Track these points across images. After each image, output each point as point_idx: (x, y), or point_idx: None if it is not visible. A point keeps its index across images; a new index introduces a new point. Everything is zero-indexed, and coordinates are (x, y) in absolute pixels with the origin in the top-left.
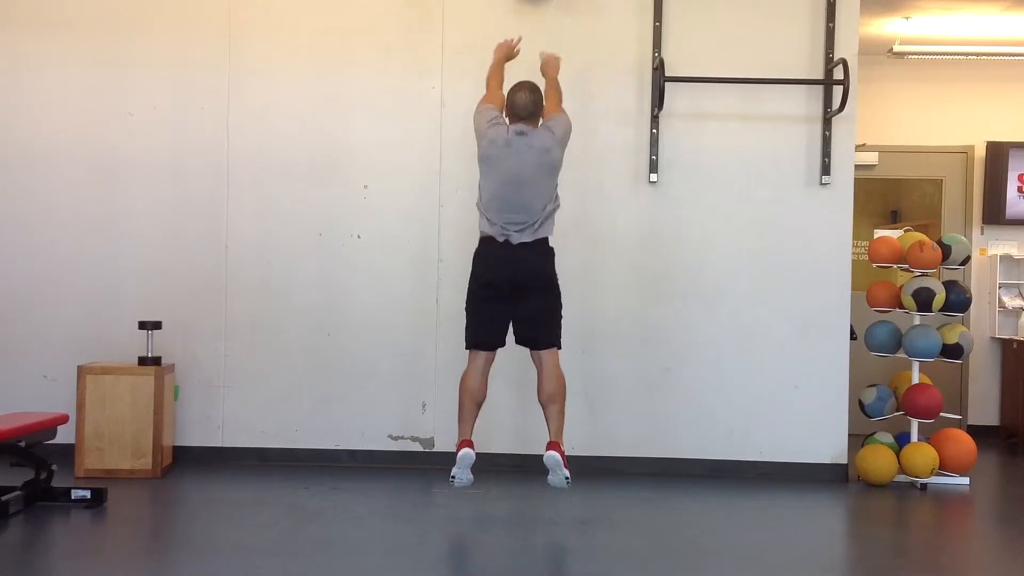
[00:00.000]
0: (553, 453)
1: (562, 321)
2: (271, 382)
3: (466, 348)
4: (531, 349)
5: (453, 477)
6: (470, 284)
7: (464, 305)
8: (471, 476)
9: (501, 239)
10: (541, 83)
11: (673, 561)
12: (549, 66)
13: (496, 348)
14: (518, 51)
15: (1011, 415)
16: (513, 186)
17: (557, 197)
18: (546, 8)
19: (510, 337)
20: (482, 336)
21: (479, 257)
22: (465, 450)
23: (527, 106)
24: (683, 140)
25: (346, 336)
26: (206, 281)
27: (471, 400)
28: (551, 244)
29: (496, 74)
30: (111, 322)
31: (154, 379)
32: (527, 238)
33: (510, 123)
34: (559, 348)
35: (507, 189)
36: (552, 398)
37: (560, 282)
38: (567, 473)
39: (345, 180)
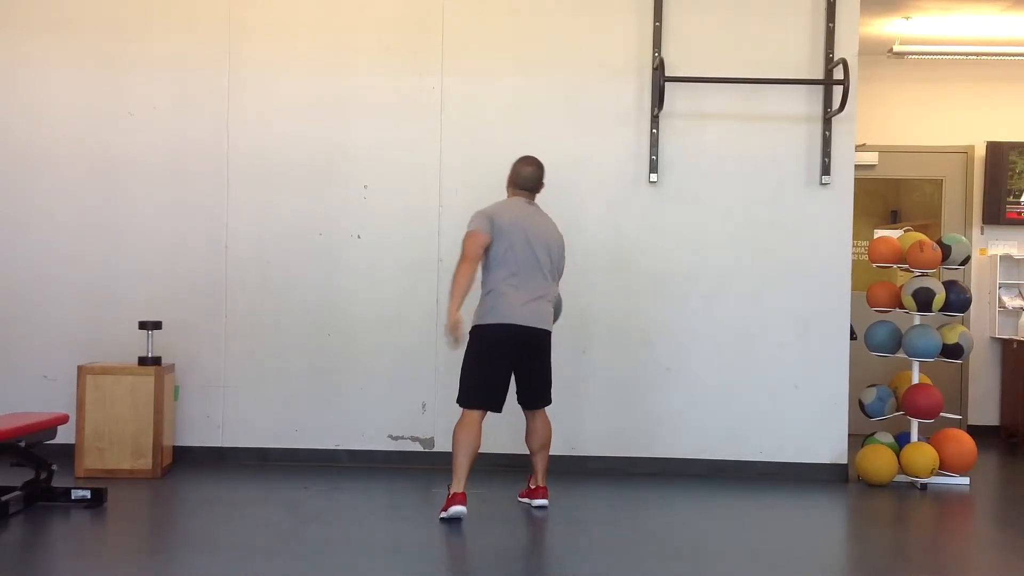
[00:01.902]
0: (544, 501)
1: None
2: (271, 382)
3: (463, 407)
4: (528, 409)
5: (441, 519)
6: (476, 344)
7: (463, 358)
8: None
9: (517, 322)
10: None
11: (673, 561)
12: None
13: (497, 411)
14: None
15: (1011, 415)
16: (537, 244)
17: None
18: (546, 8)
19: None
20: (484, 400)
21: (488, 334)
22: (457, 507)
23: (532, 179)
24: (683, 140)
25: (346, 336)
26: (206, 281)
27: (466, 454)
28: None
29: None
30: (111, 322)
31: (154, 379)
32: (540, 322)
33: (512, 195)
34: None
35: (530, 251)
36: (544, 445)
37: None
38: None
39: (345, 180)
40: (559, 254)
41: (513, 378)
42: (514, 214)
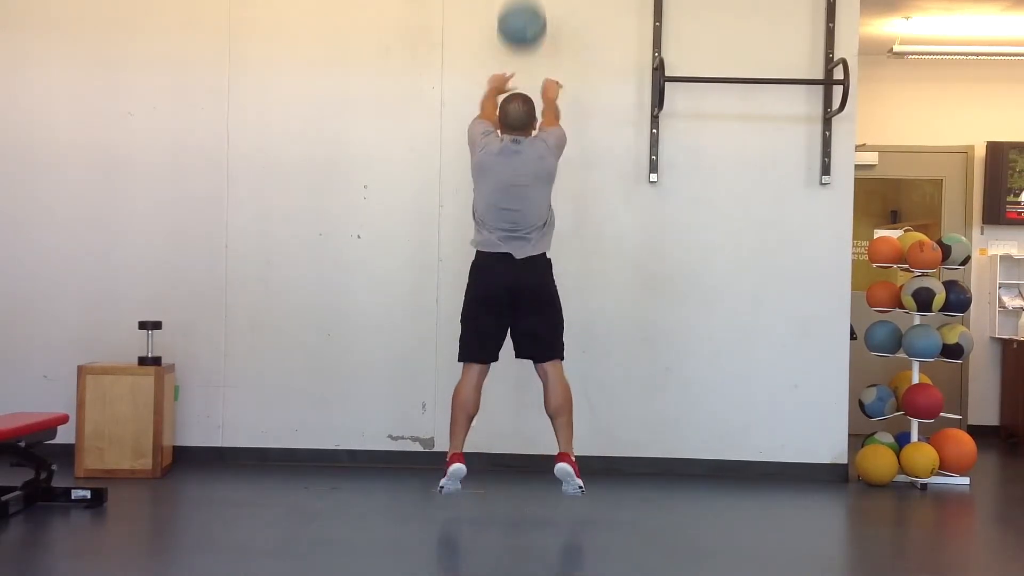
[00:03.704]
0: (564, 464)
1: (563, 331)
2: (271, 382)
3: (459, 360)
4: (534, 362)
5: (441, 487)
6: (467, 296)
7: (460, 314)
8: (459, 486)
9: (499, 252)
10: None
11: (673, 561)
12: (549, 89)
13: (491, 362)
14: (511, 88)
15: (1011, 415)
16: (507, 193)
17: (552, 211)
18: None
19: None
20: (477, 350)
21: (477, 271)
22: (457, 465)
23: (520, 116)
24: (683, 140)
25: (346, 336)
26: (206, 281)
27: (463, 413)
28: (548, 256)
29: (490, 100)
30: (111, 322)
31: (154, 379)
32: (525, 251)
33: (503, 133)
34: (562, 359)
35: (501, 197)
36: (559, 410)
37: (560, 283)
38: (580, 482)
39: (345, 180)
40: (548, 178)
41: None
42: (491, 157)
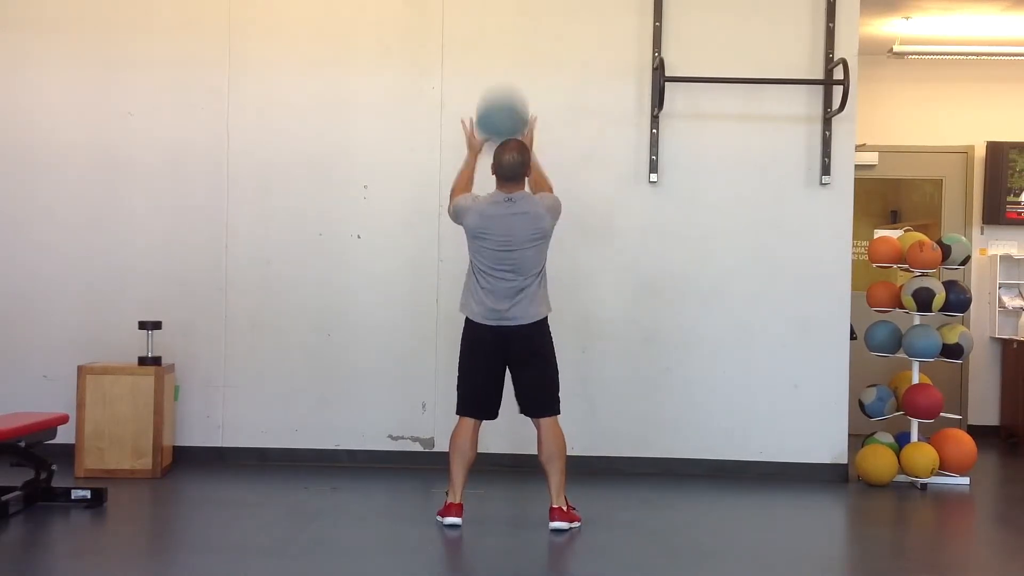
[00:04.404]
0: (556, 522)
1: (558, 387)
2: (271, 382)
3: (456, 413)
4: (526, 415)
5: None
6: (461, 355)
7: (457, 363)
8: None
9: (491, 325)
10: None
11: (673, 561)
12: (528, 142)
13: (485, 417)
14: (479, 143)
15: (1011, 415)
16: (504, 249)
17: (545, 270)
18: (546, 8)
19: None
20: (474, 407)
21: (470, 341)
22: (452, 519)
23: (515, 166)
24: (683, 140)
25: (346, 336)
26: (206, 281)
27: (461, 461)
28: (546, 318)
29: (467, 171)
30: (111, 322)
31: (154, 379)
32: (520, 316)
33: (497, 187)
34: (558, 414)
35: (499, 254)
36: (551, 459)
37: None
38: (573, 526)
39: (345, 180)
40: (541, 238)
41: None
42: (483, 213)
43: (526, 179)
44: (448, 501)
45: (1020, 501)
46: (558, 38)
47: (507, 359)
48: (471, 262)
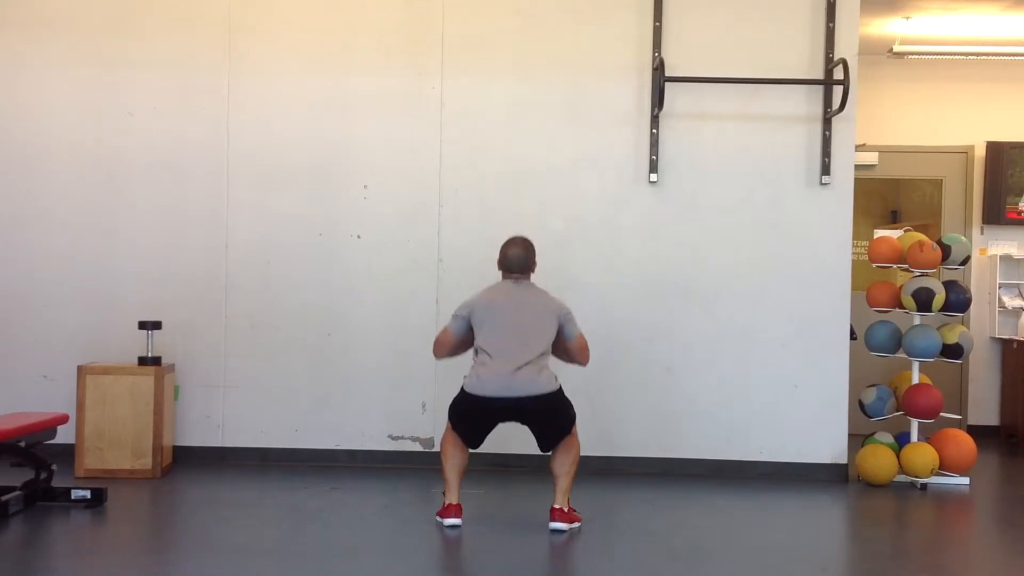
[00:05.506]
0: (556, 524)
1: (575, 417)
2: (271, 382)
3: (448, 422)
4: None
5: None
6: (458, 401)
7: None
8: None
9: (499, 394)
10: None
11: (673, 561)
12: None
13: (472, 448)
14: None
15: (1011, 415)
16: (512, 320)
17: (548, 356)
18: (546, 8)
19: None
20: (464, 433)
21: (468, 402)
22: (451, 520)
23: (520, 257)
24: (683, 140)
25: (346, 336)
26: (206, 281)
27: (453, 464)
28: (558, 385)
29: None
30: (111, 322)
31: (154, 379)
32: (531, 386)
33: (503, 277)
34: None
35: (507, 326)
36: (563, 463)
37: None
38: (573, 527)
39: (345, 180)
40: (551, 322)
41: None
42: (494, 297)
43: (532, 272)
44: (446, 503)
45: (1020, 501)
46: (558, 38)
47: (520, 419)
48: (476, 349)
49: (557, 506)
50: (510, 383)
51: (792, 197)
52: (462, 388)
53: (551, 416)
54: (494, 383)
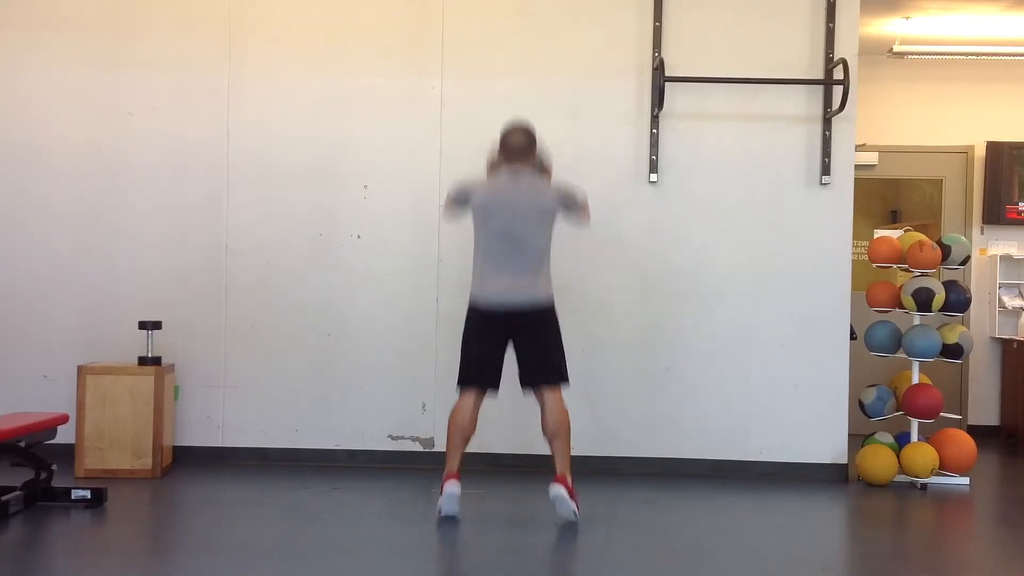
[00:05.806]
0: (559, 488)
1: (565, 360)
2: (271, 382)
3: (458, 385)
4: (535, 388)
5: (440, 510)
6: (467, 324)
7: (461, 334)
8: (458, 507)
9: (497, 311)
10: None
11: (673, 561)
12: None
13: (488, 389)
14: None
15: (1011, 415)
16: (510, 225)
17: (549, 256)
18: (546, 8)
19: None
20: (475, 376)
21: (474, 318)
22: (451, 485)
23: (520, 142)
24: (683, 140)
25: (346, 336)
26: (206, 281)
27: (460, 435)
28: (551, 298)
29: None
30: (111, 322)
31: (154, 379)
32: (527, 297)
33: (503, 166)
34: (565, 383)
35: (504, 231)
36: (556, 434)
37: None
38: (574, 507)
39: (345, 180)
40: (549, 218)
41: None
42: (491, 194)
43: (533, 158)
44: (446, 473)
45: (1020, 501)
46: (558, 38)
47: (513, 336)
48: (476, 245)
49: (560, 473)
50: (509, 294)
51: (792, 197)
52: (470, 301)
53: (534, 332)
54: (495, 296)
